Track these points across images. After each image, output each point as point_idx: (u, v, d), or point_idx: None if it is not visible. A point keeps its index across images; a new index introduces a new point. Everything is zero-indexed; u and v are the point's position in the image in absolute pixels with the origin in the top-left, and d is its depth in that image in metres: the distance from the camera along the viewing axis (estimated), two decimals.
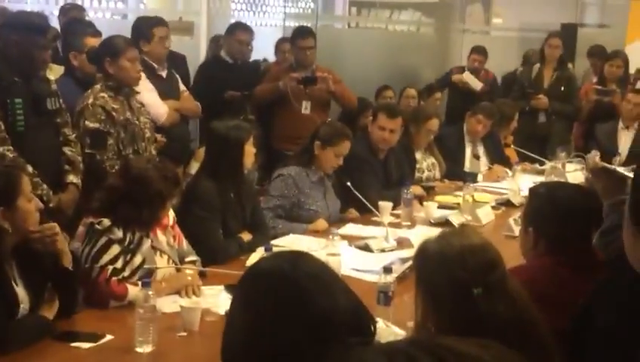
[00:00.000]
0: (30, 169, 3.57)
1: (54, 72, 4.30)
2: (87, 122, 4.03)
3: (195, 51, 6.89)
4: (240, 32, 6.17)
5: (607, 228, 2.43)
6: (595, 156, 3.24)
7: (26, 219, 2.66)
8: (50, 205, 3.65)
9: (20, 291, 2.67)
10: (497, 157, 6.21)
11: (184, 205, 3.72)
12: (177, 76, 5.32)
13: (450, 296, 1.90)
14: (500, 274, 1.95)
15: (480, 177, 5.84)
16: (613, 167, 2.80)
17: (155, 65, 5.02)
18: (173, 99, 5.12)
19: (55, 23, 5.26)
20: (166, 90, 5.04)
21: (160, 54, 5.07)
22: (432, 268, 1.96)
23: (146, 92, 4.61)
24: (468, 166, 6.04)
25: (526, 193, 5.09)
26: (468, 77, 7.56)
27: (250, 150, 3.88)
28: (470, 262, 1.92)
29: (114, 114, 4.08)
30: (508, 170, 6.00)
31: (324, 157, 4.36)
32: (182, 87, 5.31)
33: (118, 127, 4.09)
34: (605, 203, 2.52)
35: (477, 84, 7.50)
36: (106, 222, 3.06)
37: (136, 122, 4.20)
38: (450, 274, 1.92)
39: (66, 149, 3.93)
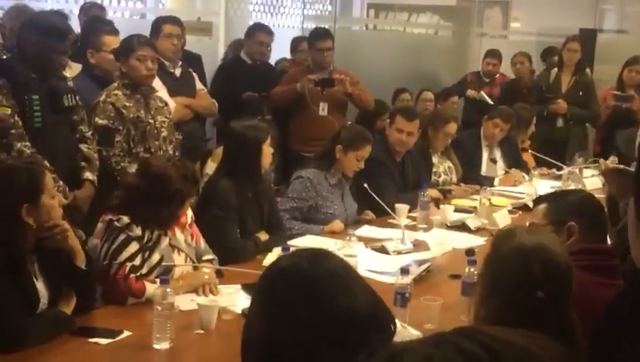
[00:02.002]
0: (47, 165, 3.60)
1: (71, 70, 4.32)
2: (96, 119, 4.08)
3: (213, 51, 6.92)
4: (260, 33, 6.20)
5: (622, 227, 2.44)
6: (612, 160, 3.26)
7: (49, 215, 2.69)
8: (66, 201, 3.67)
9: (40, 286, 2.70)
10: (514, 161, 6.19)
11: (202, 204, 3.73)
12: (194, 75, 5.34)
13: (513, 287, 1.93)
14: (568, 290, 1.98)
15: (497, 181, 5.82)
16: (622, 166, 2.81)
17: (166, 62, 5.04)
18: (188, 97, 5.14)
19: (75, 21, 5.29)
20: (178, 88, 5.04)
21: (166, 50, 5.05)
22: (510, 255, 2.00)
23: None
24: (484, 170, 6.02)
25: None
26: (482, 97, 7.57)
27: (267, 150, 3.89)
28: (547, 266, 1.95)
29: (124, 111, 4.11)
30: (525, 175, 5.98)
31: (345, 161, 4.38)
32: (199, 85, 5.32)
33: (128, 125, 4.13)
34: (621, 203, 2.54)
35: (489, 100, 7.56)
36: (125, 219, 3.08)
37: (150, 121, 4.22)
38: (524, 267, 1.95)
39: (83, 146, 3.96)
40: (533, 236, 2.08)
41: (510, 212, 4.84)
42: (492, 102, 7.41)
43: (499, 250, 2.08)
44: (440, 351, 0.88)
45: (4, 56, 3.77)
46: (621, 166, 2.73)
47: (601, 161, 5.73)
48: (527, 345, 0.88)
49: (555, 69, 7.16)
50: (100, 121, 4.08)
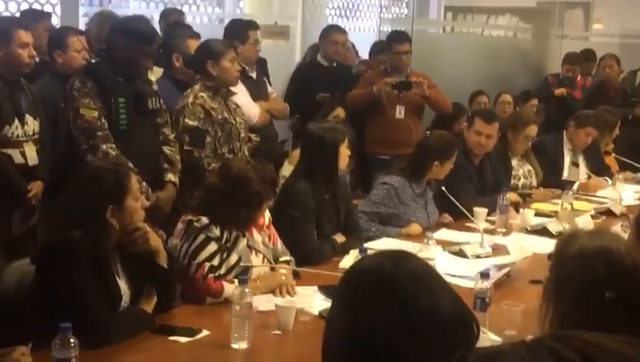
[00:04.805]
0: (131, 166, 3.67)
1: (154, 74, 4.41)
2: (186, 120, 4.13)
3: (291, 55, 6.97)
4: (333, 33, 6.24)
5: None
6: None
7: (132, 217, 2.74)
8: (148, 203, 3.73)
9: (122, 284, 2.75)
10: (597, 165, 6.01)
11: (280, 205, 3.75)
12: (265, 79, 5.43)
13: (579, 291, 1.87)
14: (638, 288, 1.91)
15: (576, 185, 5.65)
16: None
17: (246, 67, 5.12)
18: (263, 100, 5.22)
19: (155, 27, 5.40)
20: (256, 92, 5.16)
21: (252, 57, 5.23)
22: (572, 259, 1.94)
23: (240, 93, 4.69)
24: (566, 174, 5.87)
25: (627, 203, 4.99)
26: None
27: (344, 152, 3.88)
28: (611, 266, 1.88)
29: (212, 113, 4.17)
30: (608, 179, 5.80)
31: (442, 171, 4.36)
32: (270, 88, 5.42)
33: (216, 126, 4.19)
34: None
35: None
36: (205, 219, 3.11)
37: (233, 122, 4.28)
38: (588, 269, 1.89)
39: (166, 148, 4.04)
40: (595, 238, 2.01)
41: (593, 217, 4.70)
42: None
43: (561, 256, 2.01)
44: (534, 355, 0.85)
45: (93, 60, 3.89)
46: None
47: None
48: (623, 349, 0.85)
49: None
50: (190, 123, 4.13)
